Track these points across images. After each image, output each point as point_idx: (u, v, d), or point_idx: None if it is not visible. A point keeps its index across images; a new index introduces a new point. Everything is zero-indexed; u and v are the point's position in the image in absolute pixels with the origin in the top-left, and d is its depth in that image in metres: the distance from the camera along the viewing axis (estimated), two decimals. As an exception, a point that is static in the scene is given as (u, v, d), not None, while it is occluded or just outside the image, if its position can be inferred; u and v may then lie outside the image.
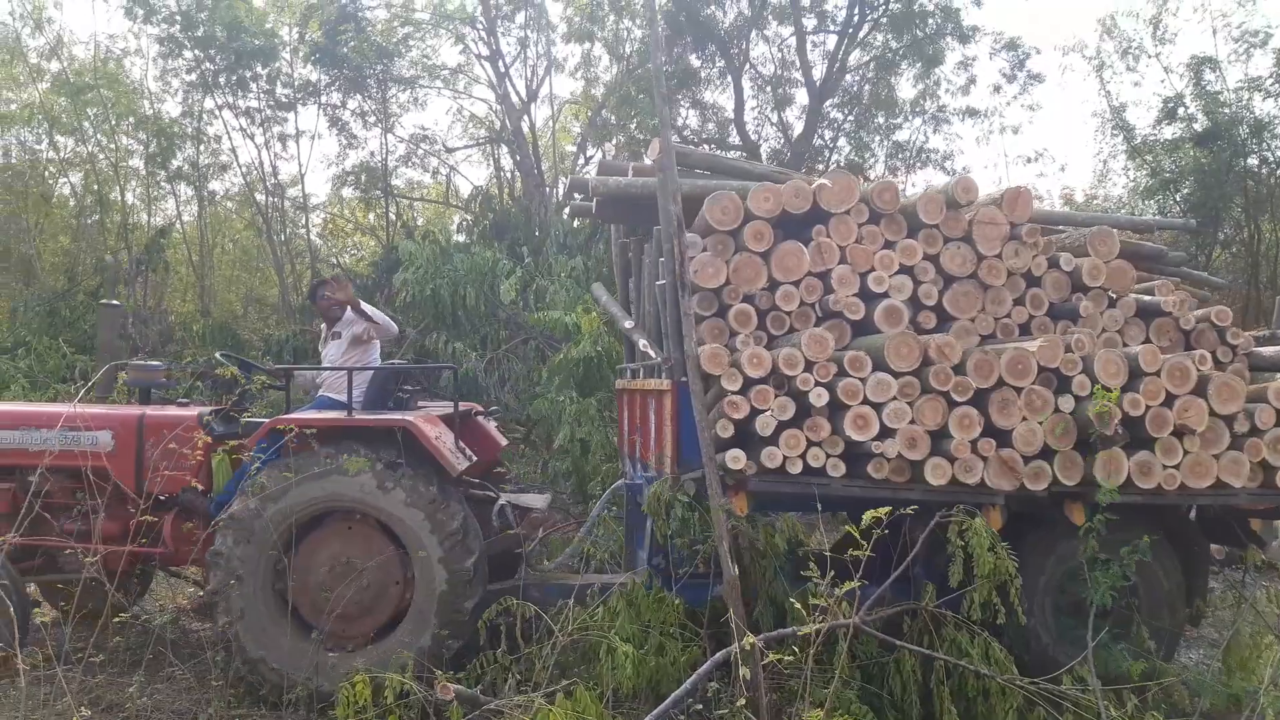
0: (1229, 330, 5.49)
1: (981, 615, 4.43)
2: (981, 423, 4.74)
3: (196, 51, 16.64)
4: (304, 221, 18.88)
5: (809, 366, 4.69)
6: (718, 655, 4.16)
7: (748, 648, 3.82)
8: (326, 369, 5.84)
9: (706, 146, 18.36)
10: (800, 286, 4.99)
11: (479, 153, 19.50)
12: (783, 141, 17.54)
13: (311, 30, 17.04)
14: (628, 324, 5.98)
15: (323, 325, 6.21)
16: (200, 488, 5.25)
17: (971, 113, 15.99)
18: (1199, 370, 4.87)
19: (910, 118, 16.38)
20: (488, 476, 5.87)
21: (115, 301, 7.12)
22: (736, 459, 4.60)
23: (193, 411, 5.48)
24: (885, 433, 4.69)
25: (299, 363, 11.58)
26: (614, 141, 18.17)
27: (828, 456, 4.72)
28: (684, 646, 4.72)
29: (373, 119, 18.30)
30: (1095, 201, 16.99)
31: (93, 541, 5.00)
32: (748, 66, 17.01)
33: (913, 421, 4.70)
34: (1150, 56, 15.44)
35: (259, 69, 17.07)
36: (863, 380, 4.68)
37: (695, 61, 16.92)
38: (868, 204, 5.13)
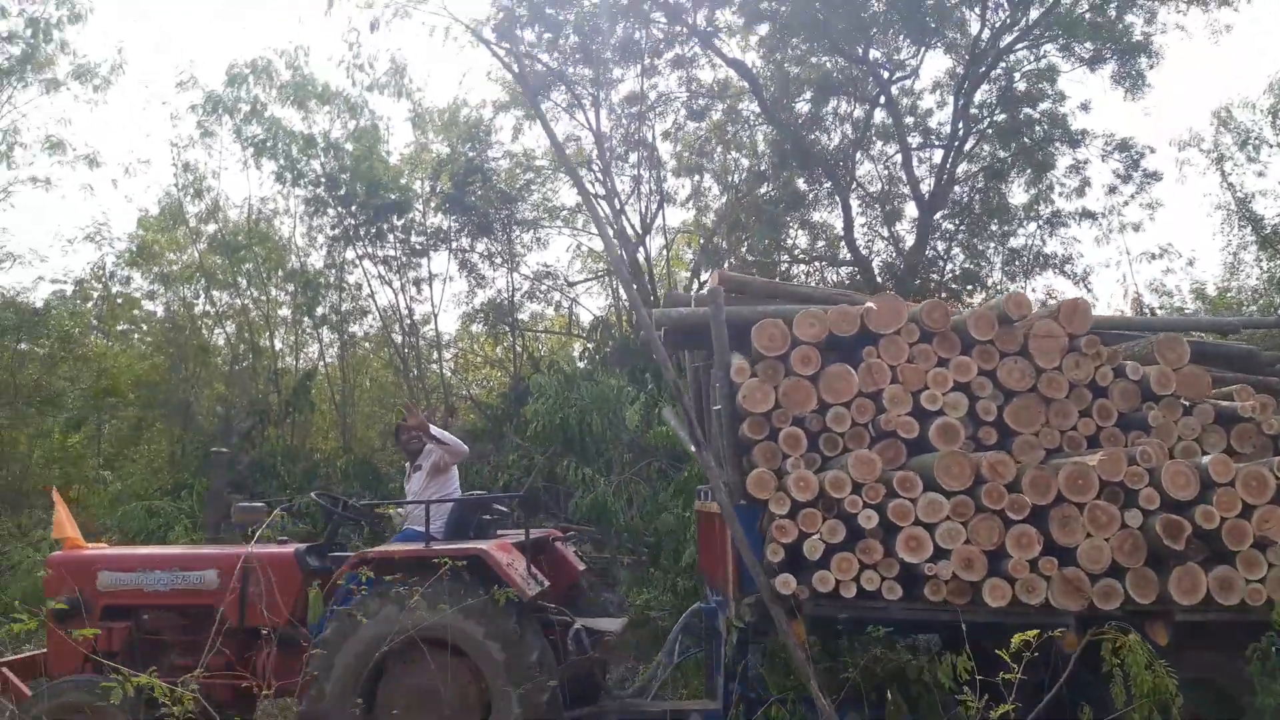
0: None
1: None
2: (1041, 541, 4.69)
3: (339, 208, 18.19)
4: (436, 357, 19.97)
5: (857, 488, 4.77)
6: None
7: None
8: (408, 503, 6.25)
9: (816, 264, 18.69)
10: (851, 407, 5.10)
11: (598, 284, 20.32)
12: (895, 255, 17.63)
13: (442, 183, 18.40)
14: (693, 447, 6.19)
15: (406, 463, 6.67)
16: (295, 622, 5.65)
17: (1088, 215, 15.72)
18: (1277, 477, 4.69)
19: (1024, 224, 16.22)
20: (567, 600, 6.08)
21: (224, 449, 7.82)
22: (786, 583, 4.69)
23: (290, 549, 5.94)
24: (940, 554, 4.69)
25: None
26: (726, 265, 18.68)
27: (882, 579, 4.75)
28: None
29: (499, 259, 19.41)
30: (1229, 294, 16.24)
31: (195, 674, 5.43)
32: (854, 185, 17.32)
33: (968, 541, 4.68)
34: (1271, 146, 14.94)
35: (395, 220, 18.47)
36: (913, 501, 4.72)
37: (803, 185, 17.37)
38: (918, 323, 5.24)
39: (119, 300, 17.88)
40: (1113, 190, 15.77)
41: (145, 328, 18.75)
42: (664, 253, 19.92)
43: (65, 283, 17.27)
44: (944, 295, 16.94)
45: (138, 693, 5.48)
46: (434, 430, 6.22)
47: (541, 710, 5.15)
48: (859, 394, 5.10)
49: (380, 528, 6.56)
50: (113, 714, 5.41)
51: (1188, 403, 5.26)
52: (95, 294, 17.68)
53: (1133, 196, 15.60)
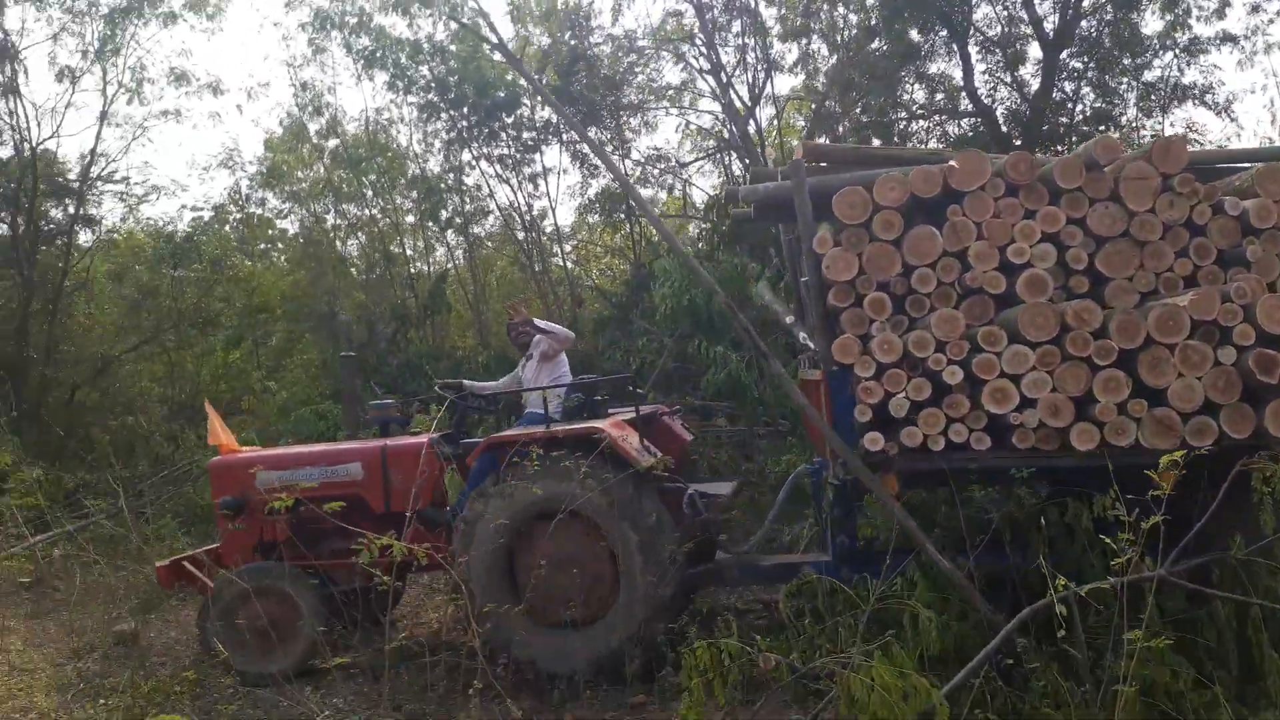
0: None
1: None
2: (1129, 385, 4.78)
3: (452, 112, 18.68)
4: (557, 250, 20.52)
5: (941, 346, 4.95)
6: (1030, 607, 4.28)
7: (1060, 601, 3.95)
8: (524, 390, 6.78)
9: (936, 119, 18.10)
10: (936, 268, 5.20)
11: (710, 162, 20.27)
12: (1020, 101, 16.89)
13: (549, 75, 18.58)
14: (788, 319, 6.45)
15: (521, 355, 7.18)
16: (436, 504, 6.30)
17: (1229, 38, 14.63)
18: None
19: (1159, 54, 15.23)
20: (678, 469, 6.51)
21: (351, 353, 8.49)
22: (874, 440, 4.96)
23: (424, 439, 6.54)
24: (1026, 403, 4.86)
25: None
26: (840, 128, 18.33)
27: (970, 431, 4.96)
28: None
29: (610, 146, 19.57)
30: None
31: (354, 557, 6.13)
32: (972, 31, 16.56)
33: (1054, 390, 4.83)
34: None
35: (505, 118, 18.85)
36: (998, 354, 4.88)
37: (916, 36, 16.72)
38: (1002, 177, 5.26)
39: (256, 222, 19.01)
40: (1256, 9, 14.59)
41: (282, 246, 19.93)
42: (775, 123, 19.66)
43: (205, 209, 18.48)
44: (1075, 139, 16.23)
45: (307, 573, 6.29)
46: (537, 322, 6.69)
47: (664, 567, 5.66)
48: (944, 254, 5.19)
49: (502, 412, 7.12)
50: (290, 594, 6.22)
51: (1292, 234, 5.15)
52: (233, 217, 18.85)
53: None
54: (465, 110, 18.43)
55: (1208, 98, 14.80)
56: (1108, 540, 4.10)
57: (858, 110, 17.90)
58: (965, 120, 17.65)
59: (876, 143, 17.84)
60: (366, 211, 19.27)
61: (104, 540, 10.37)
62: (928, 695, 3.87)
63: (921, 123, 18.17)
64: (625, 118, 19.57)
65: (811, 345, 5.89)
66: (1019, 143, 16.10)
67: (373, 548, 4.84)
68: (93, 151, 16.07)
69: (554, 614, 5.80)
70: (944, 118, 17.98)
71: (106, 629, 7.36)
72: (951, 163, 5.30)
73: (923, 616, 4.74)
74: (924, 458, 5.00)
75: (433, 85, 18.31)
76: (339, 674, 5.70)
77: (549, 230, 20.45)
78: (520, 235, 19.99)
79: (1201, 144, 15.85)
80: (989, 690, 4.35)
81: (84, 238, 17.05)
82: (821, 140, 18.69)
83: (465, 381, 7.29)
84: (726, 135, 19.47)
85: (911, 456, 5.00)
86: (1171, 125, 15.91)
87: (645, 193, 20.52)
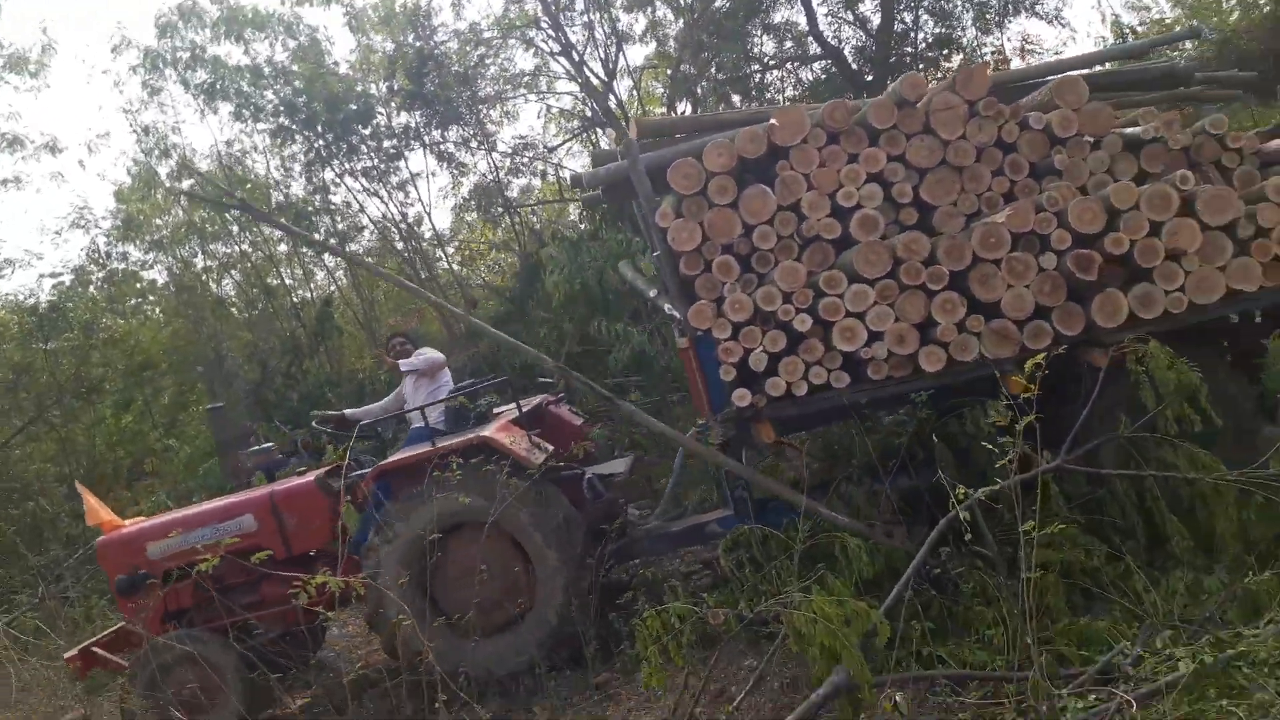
0: (1227, 136, 5.53)
1: (1178, 429, 4.78)
2: (965, 304, 5.13)
3: (306, 133, 18.39)
4: (441, 255, 20.45)
5: (787, 297, 5.23)
6: (945, 519, 4.50)
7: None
8: (404, 411, 6.90)
9: (789, 67, 18.52)
10: (774, 224, 5.46)
11: (578, 142, 20.38)
12: (864, 38, 17.41)
13: (398, 80, 18.43)
14: (652, 293, 6.67)
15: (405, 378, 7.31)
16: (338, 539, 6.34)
17: (1047, -55, 15.32)
18: (1181, 191, 5.03)
19: (990, -31, 15.85)
20: (572, 454, 6.64)
21: (219, 404, 8.46)
22: (742, 396, 5.22)
23: (310, 478, 6.56)
24: (874, 337, 5.17)
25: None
26: (698, 89, 18.63)
27: (829, 371, 5.25)
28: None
29: (474, 143, 19.54)
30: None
31: (265, 610, 6.14)
32: (808, -26, 16.98)
33: (897, 320, 5.15)
34: None
35: (362, 130, 18.63)
36: (840, 296, 5.17)
37: (755, -14, 17.08)
38: (822, 127, 5.53)
39: (120, 278, 18.49)
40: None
41: (153, 297, 19.44)
42: (635, 93, 19.87)
43: (65, 274, 17.91)
44: (921, 66, 16.80)
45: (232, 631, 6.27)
46: (402, 364, 6.85)
47: (576, 561, 5.82)
48: (779, 209, 5.46)
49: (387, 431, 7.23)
50: (211, 658, 6.06)
51: (1093, 139, 5.55)
52: (96, 277, 18.30)
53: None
54: (319, 129, 18.16)
55: (1038, 8, 15.45)
56: (990, 446, 4.34)
57: (713, 70, 18.20)
58: (816, 64, 18.11)
59: (736, 99, 18.24)
60: (236, 248, 18.90)
61: (33, 631, 10.13)
62: (867, 617, 4.09)
63: (775, 73, 18.57)
64: (485, 111, 19.53)
65: (676, 314, 6.11)
66: (870, 78, 16.64)
67: (308, 589, 4.92)
68: (-65, 235, 15.44)
69: (482, 621, 5.90)
70: (796, 65, 18.41)
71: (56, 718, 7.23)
72: (772, 121, 5.54)
73: (850, 545, 5.06)
74: (791, 404, 5.28)
75: (281, 109, 17.99)
76: (304, 715, 5.75)
77: (428, 236, 20.36)
78: (400, 245, 19.86)
79: (1040, 54, 16.60)
80: (923, 601, 4.67)
81: (-58, 328, 16.43)
82: (682, 106, 19.00)
83: (346, 412, 7.35)
84: (589, 113, 19.60)
85: (779, 405, 5.28)
86: (1009, 40, 16.59)
87: (520, 182, 20.59)
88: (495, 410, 6.66)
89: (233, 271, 19.25)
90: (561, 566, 5.85)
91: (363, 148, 18.95)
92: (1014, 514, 4.08)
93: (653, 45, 19.25)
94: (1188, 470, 4.79)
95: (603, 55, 18.77)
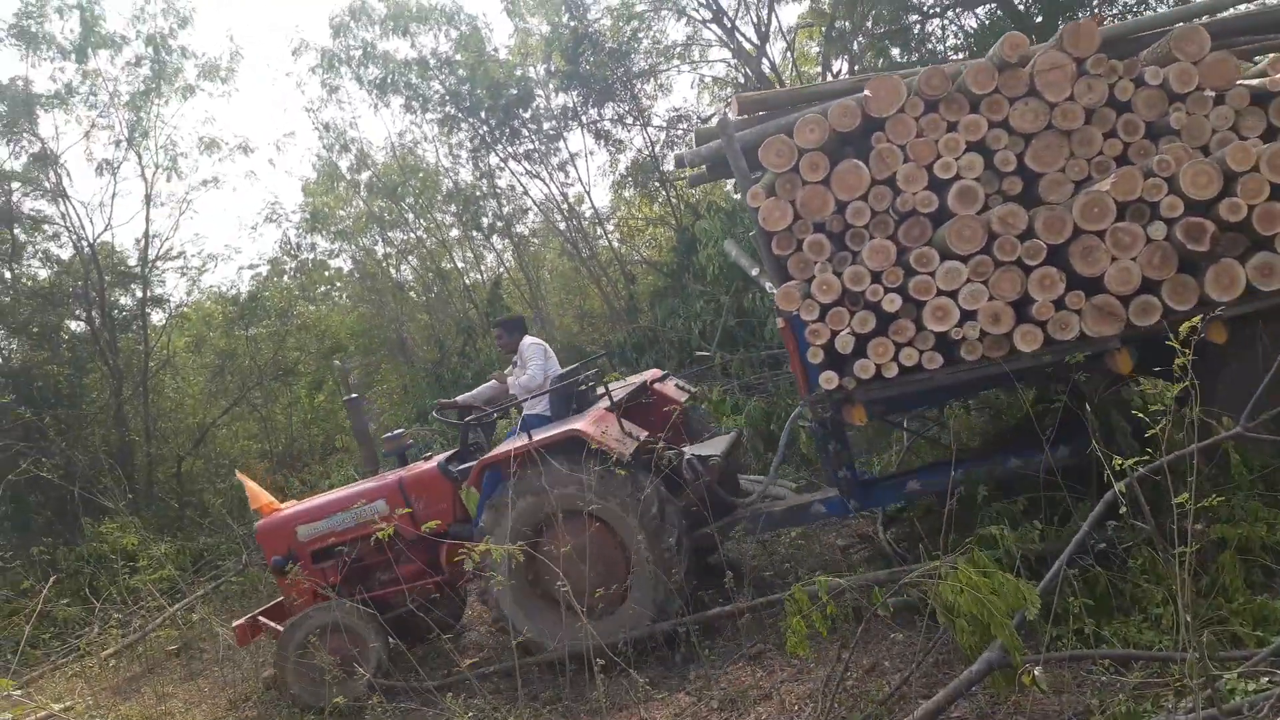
0: None
1: None
2: (1064, 279, 4.92)
3: (471, 120, 19.27)
4: (600, 232, 20.95)
5: (876, 277, 5.15)
6: (1110, 491, 4.27)
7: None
8: (510, 404, 7.23)
9: (952, 14, 17.74)
10: (868, 199, 5.36)
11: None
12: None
13: (555, 62, 18.96)
14: (754, 271, 6.68)
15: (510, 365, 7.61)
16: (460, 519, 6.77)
17: None
18: None
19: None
20: (674, 430, 6.65)
21: (354, 395, 9.02)
22: (829, 380, 5.20)
23: (433, 463, 6.97)
24: (967, 316, 5.03)
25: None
26: (854, 45, 18.19)
27: (920, 353, 5.15)
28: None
29: (630, 119, 19.86)
30: None
31: (402, 584, 6.62)
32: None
33: (991, 298, 4.99)
34: None
35: (522, 113, 19.32)
36: (931, 274, 5.05)
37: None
38: (919, 96, 5.37)
39: (311, 267, 19.99)
40: None
41: (340, 284, 20.89)
42: (789, 55, 19.60)
43: (261, 265, 19.54)
44: (1095, 5, 15.73)
45: (366, 604, 6.82)
46: (510, 383, 7.28)
47: (671, 551, 5.90)
48: (874, 183, 5.34)
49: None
50: (351, 626, 6.63)
51: (1216, 93, 5.15)
52: (289, 267, 19.87)
53: None
54: (483, 115, 18.98)
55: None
56: (1143, 417, 4.22)
57: (869, 24, 17.72)
58: (981, 9, 17.28)
59: (895, 52, 17.64)
60: (412, 235, 20.03)
61: (236, 596, 11.28)
62: (1016, 589, 3.98)
63: (936, 22, 17.84)
64: (639, 86, 19.78)
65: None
66: (1040, 20, 15.73)
67: (472, 555, 5.31)
68: (145, 234, 17.19)
69: (584, 603, 6.04)
70: (959, 11, 17.62)
71: (256, 677, 7.87)
72: (865, 91, 5.43)
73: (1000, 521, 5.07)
74: (880, 386, 5.22)
75: (447, 98, 18.92)
76: (473, 678, 6.09)
77: (588, 214, 20.88)
78: (562, 225, 20.48)
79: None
80: (1088, 578, 4.54)
81: (156, 318, 18.26)
82: (838, 65, 18.60)
83: (459, 399, 7.73)
84: (742, 80, 19.50)
85: (870, 387, 5.23)
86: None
87: (675, 156, 20.76)
88: (599, 391, 6.86)
89: (410, 257, 20.42)
90: (656, 553, 5.91)
91: (524, 131, 19.65)
92: (1187, 486, 3.80)
93: (806, 2, 18.92)
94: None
95: (755, 18, 18.62)
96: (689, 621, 5.73)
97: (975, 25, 17.31)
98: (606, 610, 6.06)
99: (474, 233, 20.00)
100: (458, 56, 18.96)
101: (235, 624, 7.30)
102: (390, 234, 19.99)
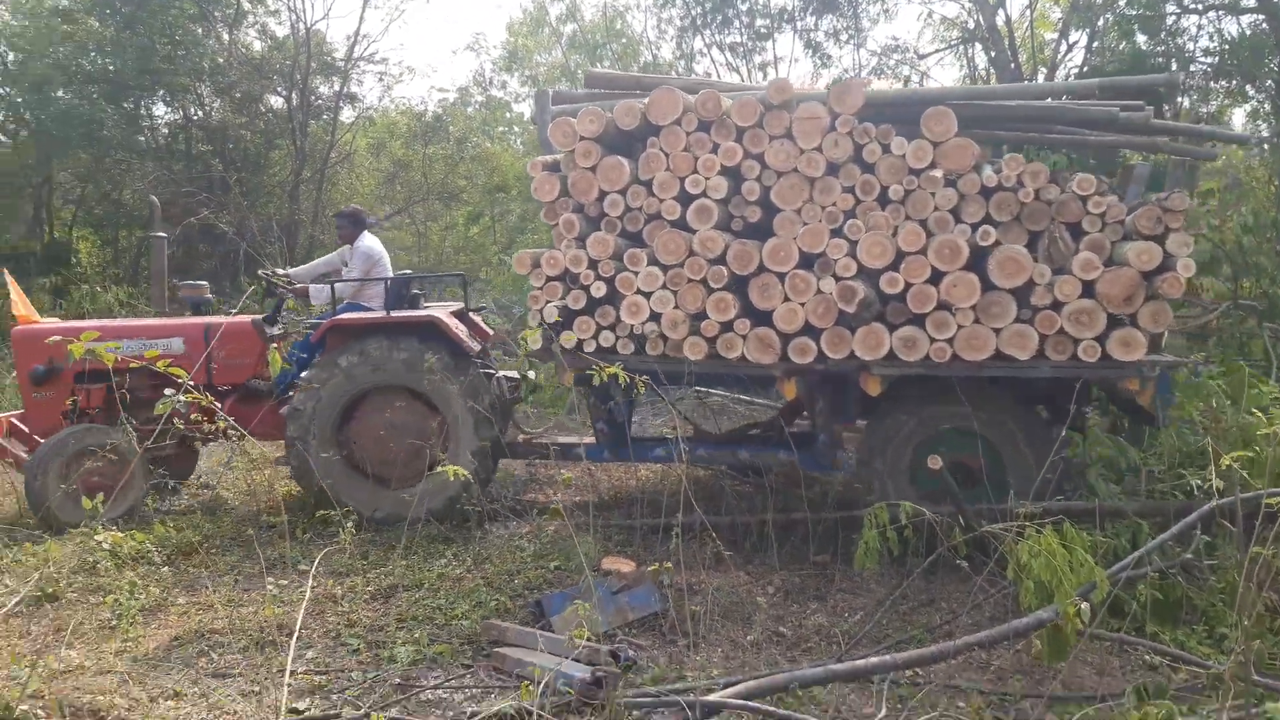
0: (1090, 199, 5.53)
1: None
2: (737, 305, 5.79)
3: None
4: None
5: (593, 264, 6.16)
6: (1204, 507, 4.66)
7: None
8: (355, 280, 7.79)
9: (1212, 14, 16.54)
10: (626, 195, 6.28)
11: (951, 55, 19.99)
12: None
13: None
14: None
15: (345, 247, 8.18)
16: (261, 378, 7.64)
17: None
18: (977, 245, 5.47)
19: None
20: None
21: (161, 234, 9.27)
22: (536, 340, 6.31)
23: (248, 319, 7.67)
24: (654, 317, 6.01)
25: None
26: (1100, 21, 17.43)
27: (617, 338, 6.18)
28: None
29: (845, 36, 20.07)
30: None
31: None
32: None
33: (676, 307, 5.93)
34: None
35: (739, 5, 20.00)
36: (635, 273, 6.03)
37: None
38: (695, 114, 6.14)
39: (496, 104, 21.95)
40: None
41: (518, 129, 22.77)
42: (1027, 13, 18.97)
43: (451, 91, 21.68)
44: None
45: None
46: (344, 273, 7.86)
47: (493, 437, 7.07)
48: (635, 181, 6.27)
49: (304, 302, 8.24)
50: (117, 453, 6.24)
51: (952, 174, 5.65)
52: (475, 100, 21.92)
53: None
54: (701, -4, 19.77)
55: None
56: None
57: (1121, 2, 16.90)
58: (1244, 17, 16.05)
59: (1141, 39, 16.69)
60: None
61: None
62: (1090, 568, 4.22)
63: (1195, 19, 16.69)
64: (864, 4, 19.87)
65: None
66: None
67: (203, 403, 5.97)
68: (356, 32, 19.69)
69: (393, 474, 7.07)
70: (1222, 14, 16.40)
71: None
72: (647, 99, 6.25)
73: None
74: (578, 358, 6.27)
75: (671, -30, 19.85)
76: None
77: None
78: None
79: None
80: (1167, 584, 4.77)
81: (347, 114, 20.93)
82: (1076, 36, 17.82)
83: (291, 272, 8.26)
84: (973, 26, 19.17)
85: (569, 356, 6.31)
86: None
87: (878, 85, 20.77)
88: (425, 305, 7.74)
89: (589, 119, 21.88)
90: (478, 439, 7.04)
91: (736, 22, 20.32)
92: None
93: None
94: None
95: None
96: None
97: (1236, 32, 16.19)
98: (412, 483, 6.98)
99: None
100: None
101: None
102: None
